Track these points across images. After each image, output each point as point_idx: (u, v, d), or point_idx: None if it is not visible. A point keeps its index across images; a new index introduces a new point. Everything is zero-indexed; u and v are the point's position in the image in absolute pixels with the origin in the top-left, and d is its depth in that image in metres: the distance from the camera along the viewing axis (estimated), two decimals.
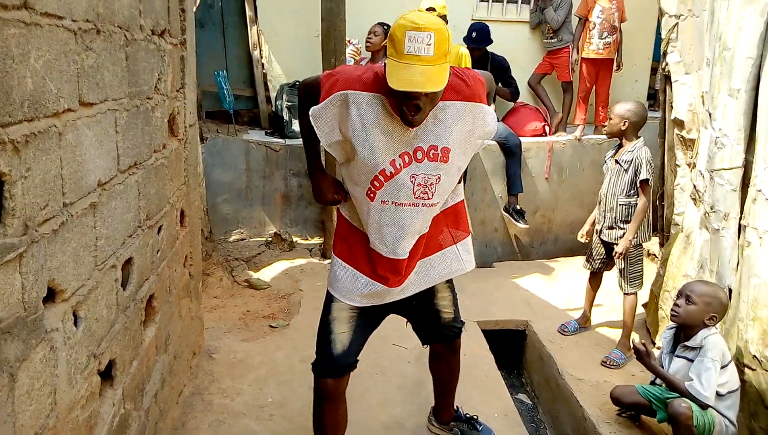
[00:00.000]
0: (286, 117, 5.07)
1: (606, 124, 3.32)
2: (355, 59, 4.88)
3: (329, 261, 4.54)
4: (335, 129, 1.84)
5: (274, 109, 5.34)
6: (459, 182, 2.07)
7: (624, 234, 3.29)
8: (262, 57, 5.43)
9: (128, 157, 1.84)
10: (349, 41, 4.73)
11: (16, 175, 1.13)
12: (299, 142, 5.01)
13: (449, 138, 1.83)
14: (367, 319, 2.08)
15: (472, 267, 2.18)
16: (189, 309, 2.86)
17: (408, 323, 2.29)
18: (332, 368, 2.03)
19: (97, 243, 1.58)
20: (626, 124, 3.24)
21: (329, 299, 2.08)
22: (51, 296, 1.34)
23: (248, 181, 4.98)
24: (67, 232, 1.38)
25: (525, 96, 5.82)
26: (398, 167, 1.83)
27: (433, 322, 2.25)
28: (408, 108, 1.68)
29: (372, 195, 1.87)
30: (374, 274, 1.99)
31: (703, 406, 2.35)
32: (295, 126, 5.10)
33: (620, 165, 3.28)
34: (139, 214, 1.97)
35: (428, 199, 1.89)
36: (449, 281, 2.21)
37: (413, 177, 1.84)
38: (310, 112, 1.85)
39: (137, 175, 1.95)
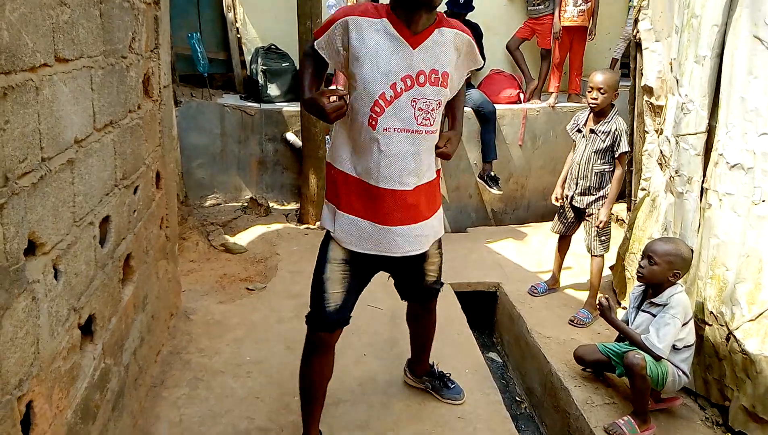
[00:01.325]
0: (261, 81, 5.04)
1: (594, 96, 3.29)
2: None
3: (306, 226, 4.63)
4: (340, 53, 1.89)
5: (248, 73, 5.30)
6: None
7: (594, 200, 3.39)
8: (236, 20, 5.36)
9: (104, 116, 1.85)
10: None
11: None
12: (274, 106, 5.00)
13: (448, 62, 1.89)
14: (358, 277, 2.09)
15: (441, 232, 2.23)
16: (166, 271, 2.89)
17: (390, 278, 2.32)
18: (326, 323, 2.06)
19: (75, 199, 1.60)
20: (616, 95, 3.31)
21: (323, 258, 2.06)
22: (32, 249, 1.36)
23: (223, 145, 4.96)
24: (45, 186, 1.40)
25: (502, 61, 5.86)
26: (399, 91, 1.84)
27: (417, 283, 2.30)
28: (420, 4, 1.77)
29: (374, 122, 1.86)
30: (376, 217, 1.96)
31: (657, 358, 2.48)
32: (270, 90, 5.08)
33: (597, 135, 3.34)
34: (115, 172, 1.99)
35: (429, 125, 1.91)
36: (439, 247, 2.26)
37: (414, 101, 1.86)
38: (315, 45, 1.92)
39: (113, 134, 1.95)
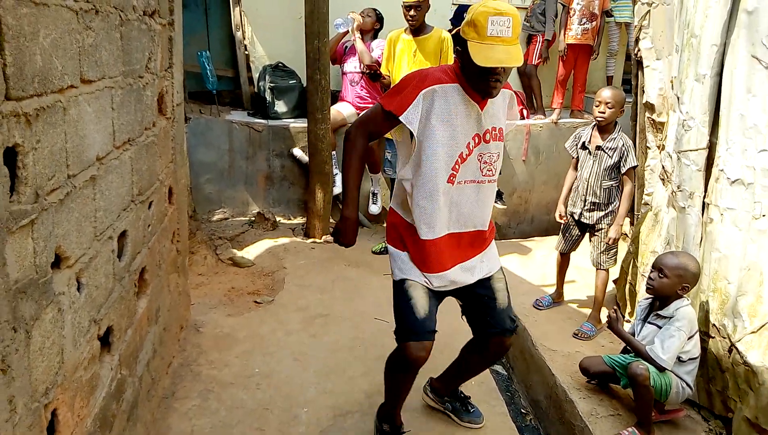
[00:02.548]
0: (268, 98, 5.13)
1: (602, 111, 3.36)
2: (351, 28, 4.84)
3: (312, 240, 4.68)
4: (427, 123, 2.01)
5: (256, 90, 5.39)
6: None
7: (603, 215, 3.45)
8: (244, 38, 5.46)
9: (122, 134, 1.92)
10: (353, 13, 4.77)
11: (29, 146, 1.22)
12: (281, 123, 5.08)
13: (502, 118, 2.14)
14: (435, 294, 2.20)
15: (499, 263, 2.37)
16: (177, 284, 2.95)
17: (463, 316, 2.37)
18: (421, 331, 2.11)
19: (96, 214, 1.67)
20: (622, 112, 3.39)
21: (401, 284, 2.18)
22: (57, 262, 1.42)
23: (231, 161, 5.04)
24: (71, 202, 1.47)
25: (510, 79, 5.94)
26: (471, 149, 2.07)
27: (488, 307, 2.26)
28: (491, 79, 1.93)
29: (453, 179, 2.07)
30: (431, 268, 2.14)
31: (661, 369, 2.51)
32: (278, 107, 5.16)
33: (605, 151, 3.40)
34: (132, 188, 2.05)
35: (491, 175, 2.15)
36: (502, 273, 2.34)
37: (480, 156, 2.09)
38: (402, 119, 2.00)
39: (130, 151, 2.02)
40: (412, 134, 2.03)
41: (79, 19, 1.47)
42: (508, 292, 2.31)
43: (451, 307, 2.37)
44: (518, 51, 1.92)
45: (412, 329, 2.10)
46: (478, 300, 2.27)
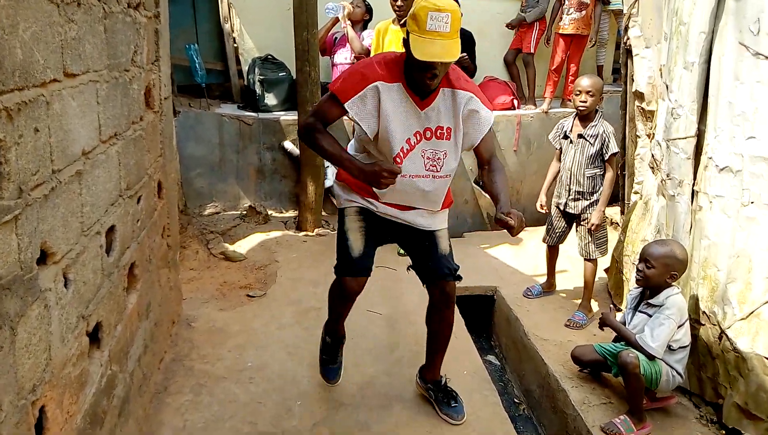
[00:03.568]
0: (258, 91, 5.10)
1: (583, 100, 3.37)
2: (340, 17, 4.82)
3: (304, 233, 4.67)
4: (375, 122, 2.15)
5: (246, 82, 5.36)
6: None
7: (589, 204, 3.45)
8: (233, 30, 5.42)
9: (109, 128, 1.90)
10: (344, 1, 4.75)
11: (11, 141, 1.20)
12: (272, 115, 5.05)
13: (452, 120, 2.21)
14: (374, 234, 2.40)
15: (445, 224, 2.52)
16: (168, 279, 2.94)
17: (409, 270, 2.56)
18: (353, 268, 2.35)
19: (83, 209, 1.65)
20: (602, 99, 3.39)
21: (342, 217, 2.41)
22: (43, 258, 1.41)
23: (221, 154, 5.01)
24: (56, 197, 1.45)
25: (495, 69, 5.93)
26: (413, 144, 2.21)
27: (431, 252, 2.42)
28: (428, 75, 2.04)
29: None
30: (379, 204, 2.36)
31: (650, 357, 2.53)
32: (268, 100, 5.13)
33: (586, 139, 3.41)
34: (120, 183, 2.03)
35: (437, 171, 2.26)
36: (448, 235, 2.50)
37: (423, 152, 2.23)
38: (350, 113, 2.15)
39: (117, 145, 2.00)
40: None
41: (61, 11, 1.45)
42: (450, 247, 2.48)
43: None
44: (455, 46, 2.00)
45: (348, 267, 2.35)
46: (420, 246, 2.44)
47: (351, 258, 2.34)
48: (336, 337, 2.71)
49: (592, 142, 3.39)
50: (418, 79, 2.07)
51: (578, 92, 3.39)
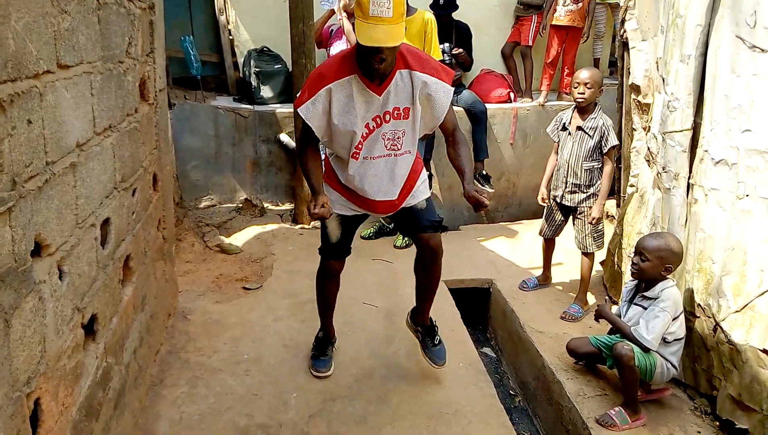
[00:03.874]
0: (254, 83, 5.08)
1: (581, 92, 3.36)
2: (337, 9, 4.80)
3: (300, 226, 4.67)
4: (324, 119, 2.29)
5: (241, 75, 5.33)
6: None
7: (586, 197, 3.45)
8: (228, 22, 5.39)
9: (103, 120, 1.89)
10: None
11: (4, 132, 1.19)
12: (268, 108, 5.04)
13: (407, 98, 2.29)
14: (350, 221, 2.62)
15: (425, 192, 2.61)
16: (163, 271, 2.93)
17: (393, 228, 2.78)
18: (332, 252, 2.64)
19: (77, 202, 1.65)
20: (601, 92, 3.38)
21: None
22: (38, 250, 1.40)
23: (217, 147, 4.99)
24: (50, 189, 1.44)
25: (492, 62, 5.91)
26: (371, 129, 2.32)
27: (410, 212, 2.56)
28: (375, 59, 2.12)
29: (356, 156, 2.37)
30: (362, 206, 2.54)
31: (645, 349, 2.54)
32: (264, 92, 5.11)
33: (585, 132, 3.40)
34: (114, 175, 2.03)
35: (398, 149, 2.40)
36: (425, 201, 2.60)
37: (384, 135, 2.35)
38: (302, 115, 2.28)
39: (112, 137, 2.00)
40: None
41: (54, 2, 1.44)
42: (429, 201, 2.60)
43: None
44: (398, 31, 2.07)
45: (328, 250, 2.64)
46: (401, 214, 2.59)
47: (330, 244, 2.61)
48: (326, 335, 2.89)
49: (590, 135, 3.39)
50: (368, 64, 2.15)
51: (576, 84, 3.38)
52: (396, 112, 2.31)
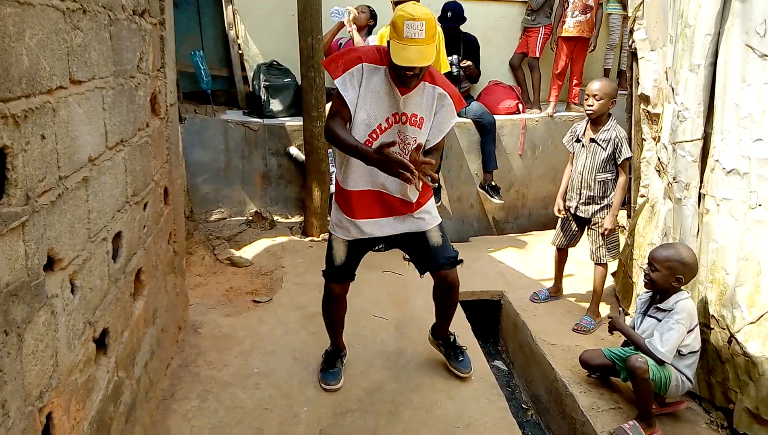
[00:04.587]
0: (263, 97, 5.11)
1: (590, 104, 3.36)
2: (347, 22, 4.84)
3: (310, 238, 4.67)
4: (354, 94, 2.34)
5: (251, 89, 5.37)
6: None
7: (599, 209, 3.44)
8: (238, 37, 5.44)
9: (115, 134, 1.90)
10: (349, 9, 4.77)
11: (17, 148, 1.20)
12: (277, 121, 5.07)
13: (426, 111, 2.41)
14: (358, 246, 2.62)
15: (436, 222, 2.63)
16: (174, 285, 2.94)
17: (410, 262, 2.76)
18: (336, 275, 2.65)
19: (89, 216, 1.66)
20: (613, 103, 3.37)
21: (331, 235, 2.65)
22: (50, 265, 1.41)
23: (227, 160, 5.02)
24: (63, 204, 1.45)
25: (500, 73, 5.93)
26: (390, 123, 2.41)
27: (424, 247, 2.61)
28: (406, 76, 2.26)
29: (369, 145, 2.37)
30: (364, 214, 2.52)
31: (659, 362, 2.51)
32: (273, 105, 5.14)
33: (598, 144, 3.39)
34: (126, 189, 2.04)
35: (406, 153, 2.41)
36: (440, 228, 2.64)
37: (399, 132, 2.42)
38: (338, 86, 2.33)
39: (123, 152, 2.01)
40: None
41: (67, 19, 1.46)
42: (443, 236, 2.63)
43: None
44: (430, 51, 2.21)
45: (332, 273, 2.65)
46: (413, 244, 2.64)
47: (334, 266, 2.62)
48: (336, 349, 2.92)
49: (603, 147, 3.37)
50: (401, 78, 2.29)
51: (586, 96, 3.38)
52: (413, 118, 2.40)
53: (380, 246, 4.48)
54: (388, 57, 2.30)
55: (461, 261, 2.64)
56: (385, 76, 2.35)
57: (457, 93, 2.50)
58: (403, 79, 2.28)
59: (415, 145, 2.35)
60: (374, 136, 2.40)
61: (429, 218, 2.61)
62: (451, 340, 2.93)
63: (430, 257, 2.61)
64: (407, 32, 2.17)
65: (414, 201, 2.54)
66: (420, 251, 2.63)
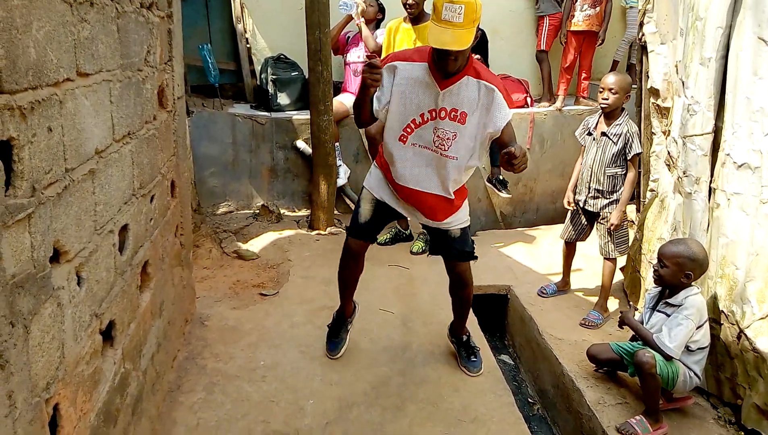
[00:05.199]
0: (271, 90, 5.11)
1: (605, 97, 3.33)
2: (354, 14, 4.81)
3: (317, 232, 4.67)
4: (389, 89, 2.40)
5: (258, 82, 5.37)
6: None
7: (608, 203, 3.41)
8: (245, 30, 5.43)
9: (122, 127, 1.90)
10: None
11: (24, 139, 1.20)
12: (285, 115, 5.07)
13: (467, 104, 2.38)
14: (384, 211, 2.69)
15: (464, 221, 2.68)
16: (181, 277, 2.95)
17: (428, 255, 2.93)
18: (357, 231, 2.69)
19: (96, 208, 1.66)
20: (628, 97, 3.34)
21: (363, 189, 2.71)
22: (56, 257, 1.41)
23: (235, 154, 5.03)
24: (69, 196, 1.46)
25: (509, 66, 5.89)
26: (425, 119, 2.42)
27: (444, 237, 2.68)
28: (444, 61, 2.26)
29: (404, 139, 2.47)
30: (400, 195, 2.59)
31: (667, 357, 2.49)
32: (280, 99, 5.14)
33: (610, 138, 3.36)
34: (133, 182, 2.04)
35: (444, 150, 2.45)
36: (461, 228, 2.67)
37: (435, 129, 2.43)
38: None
39: (130, 144, 2.01)
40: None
41: (74, 11, 1.45)
42: (464, 229, 2.68)
43: None
44: (467, 36, 2.17)
45: (354, 230, 2.69)
46: (436, 233, 2.71)
47: (358, 223, 2.67)
48: (341, 317, 2.97)
49: (614, 141, 3.34)
50: (439, 62, 2.28)
51: (601, 89, 3.35)
52: (453, 113, 2.39)
53: (386, 238, 4.51)
54: (430, 54, 2.33)
55: (476, 257, 2.71)
56: (425, 71, 2.36)
57: (505, 89, 2.45)
58: (443, 64, 2.27)
59: (455, 139, 2.42)
60: (408, 130, 2.44)
61: (457, 220, 2.64)
62: (464, 339, 2.95)
63: (447, 246, 2.68)
64: (445, 14, 2.15)
65: (452, 195, 2.55)
66: (438, 236, 2.71)
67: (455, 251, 2.67)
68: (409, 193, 2.56)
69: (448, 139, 2.42)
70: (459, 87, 2.35)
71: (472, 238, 2.81)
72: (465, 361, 2.91)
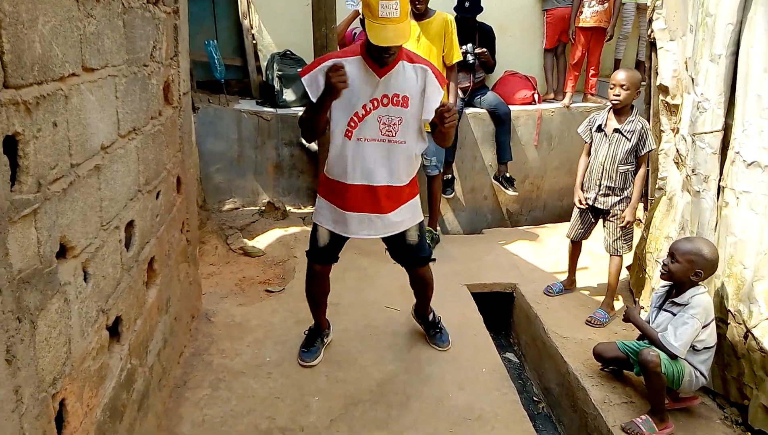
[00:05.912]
0: (277, 86, 5.10)
1: (617, 93, 3.31)
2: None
3: None
4: (319, 89, 2.39)
5: (264, 78, 5.36)
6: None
7: (619, 200, 3.39)
8: (252, 26, 5.43)
9: (128, 123, 1.90)
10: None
11: (29, 135, 1.20)
12: (290, 111, 5.06)
13: (410, 90, 2.46)
14: (340, 236, 2.71)
15: (417, 221, 2.75)
16: (187, 274, 2.95)
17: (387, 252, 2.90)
18: (317, 256, 2.76)
19: (102, 204, 1.66)
20: (638, 94, 3.32)
21: (314, 224, 2.75)
22: (63, 252, 1.41)
23: (240, 150, 5.02)
24: (75, 191, 1.45)
25: (516, 63, 5.86)
26: (368, 110, 2.46)
27: (401, 243, 2.76)
28: (385, 54, 2.33)
29: (349, 134, 2.49)
30: (347, 207, 2.60)
31: (672, 356, 2.48)
32: (286, 95, 5.13)
33: (623, 135, 3.33)
34: (138, 178, 2.04)
35: (392, 136, 2.51)
36: (419, 227, 2.77)
37: (380, 118, 2.48)
38: (304, 83, 2.45)
39: (136, 140, 2.01)
40: None
41: (80, 6, 1.45)
42: (421, 235, 2.78)
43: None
44: (405, 29, 2.25)
45: (314, 253, 2.76)
46: (393, 242, 2.77)
47: (317, 247, 2.73)
48: (317, 329, 3.01)
49: (628, 138, 3.31)
50: (378, 57, 2.35)
51: (612, 86, 3.31)
52: (395, 98, 2.45)
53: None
54: (361, 48, 2.40)
55: (434, 260, 2.88)
56: (361, 65, 2.41)
57: (437, 69, 2.55)
58: (382, 58, 2.34)
59: (401, 124, 2.50)
60: (352, 125, 2.47)
61: (410, 217, 2.71)
62: (430, 318, 3.11)
63: (405, 254, 2.81)
64: (382, 12, 2.21)
65: (406, 183, 2.62)
66: (396, 246, 2.78)
67: (414, 257, 2.80)
68: (361, 194, 2.57)
69: (394, 124, 2.49)
70: (396, 73, 2.43)
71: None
72: (434, 338, 3.07)
